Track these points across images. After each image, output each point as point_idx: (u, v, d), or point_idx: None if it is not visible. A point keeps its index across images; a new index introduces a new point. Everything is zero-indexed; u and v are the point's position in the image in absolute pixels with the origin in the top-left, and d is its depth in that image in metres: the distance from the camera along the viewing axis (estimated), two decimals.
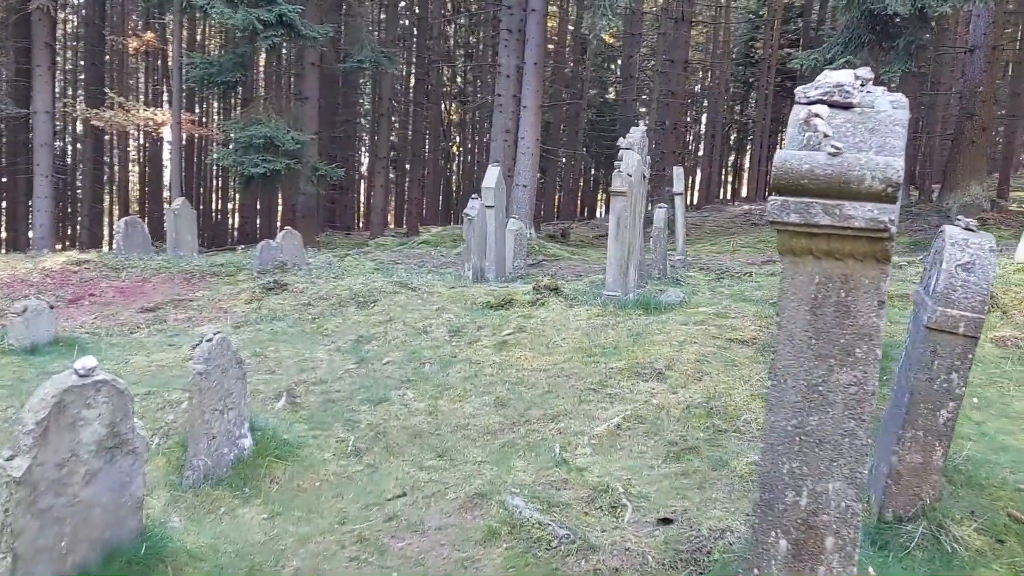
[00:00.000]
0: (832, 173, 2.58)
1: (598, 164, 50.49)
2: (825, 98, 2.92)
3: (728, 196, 52.19)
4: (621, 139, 10.32)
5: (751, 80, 49.36)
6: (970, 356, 3.71)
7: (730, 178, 55.85)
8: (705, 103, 50.25)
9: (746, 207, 30.38)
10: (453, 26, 41.79)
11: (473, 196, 12.07)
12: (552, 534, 4.16)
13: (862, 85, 2.94)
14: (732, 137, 54.27)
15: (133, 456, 3.93)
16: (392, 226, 36.03)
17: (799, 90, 3.01)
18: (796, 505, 2.71)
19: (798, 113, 2.92)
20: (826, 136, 2.79)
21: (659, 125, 19.75)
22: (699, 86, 52.68)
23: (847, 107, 2.92)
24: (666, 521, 4.29)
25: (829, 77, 2.92)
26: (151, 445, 5.09)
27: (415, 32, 36.26)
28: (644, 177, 8.76)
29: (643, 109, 44.45)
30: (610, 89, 50.11)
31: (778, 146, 53.22)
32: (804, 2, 28.37)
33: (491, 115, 19.88)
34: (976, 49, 14.43)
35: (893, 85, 17.10)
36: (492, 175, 12.27)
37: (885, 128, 2.75)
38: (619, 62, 46.34)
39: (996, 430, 5.31)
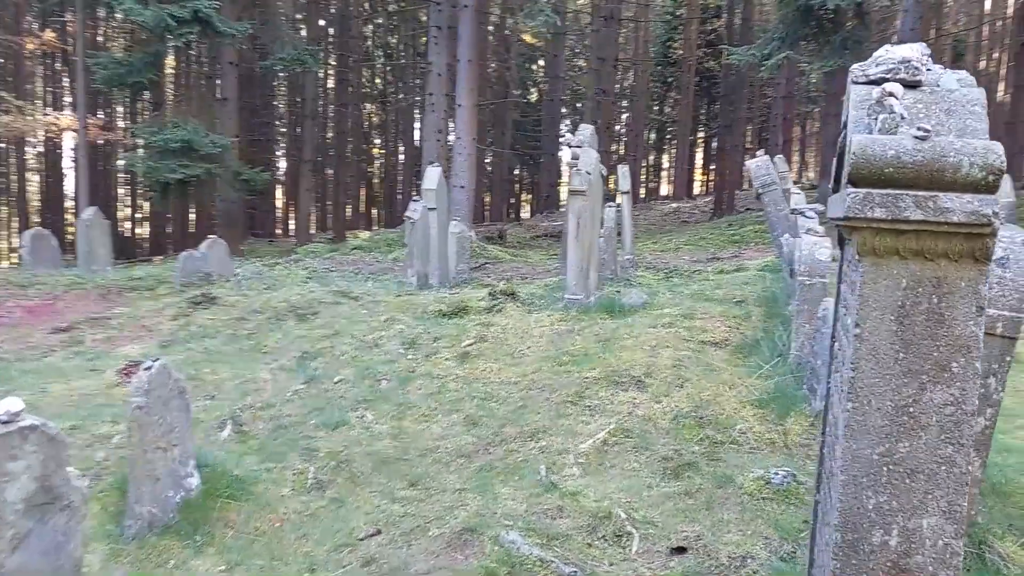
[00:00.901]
0: (922, 160, 2.22)
1: (523, 165, 50.29)
2: (889, 76, 2.57)
3: (651, 195, 52.71)
4: (571, 136, 9.99)
5: (669, 80, 50.07)
6: (1008, 359, 3.45)
7: (650, 177, 56.45)
8: (625, 103, 50.62)
9: (674, 205, 30.61)
10: (371, 26, 40.88)
11: (414, 198, 11.55)
12: (557, 572, 3.73)
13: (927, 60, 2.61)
14: (651, 137, 54.86)
15: (69, 512, 3.32)
16: (316, 232, 34.92)
17: (856, 68, 2.66)
18: (885, 546, 2.35)
19: (864, 93, 2.56)
20: (903, 118, 2.44)
21: (594, 124, 19.56)
22: (618, 86, 53.08)
23: (914, 85, 2.57)
24: (680, 550, 3.91)
25: (892, 52, 2.58)
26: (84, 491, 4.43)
27: (331, 32, 35.28)
28: (602, 176, 8.42)
29: (564, 109, 44.34)
30: (532, 90, 49.92)
31: (694, 146, 54.20)
32: (727, 2, 28.68)
33: (416, 116, 19.28)
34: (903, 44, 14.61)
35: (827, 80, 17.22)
36: (433, 176, 11.75)
37: (963, 109, 2.42)
38: (540, 62, 46.20)
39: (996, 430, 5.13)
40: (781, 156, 10.48)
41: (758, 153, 10.43)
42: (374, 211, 47.05)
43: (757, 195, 10.08)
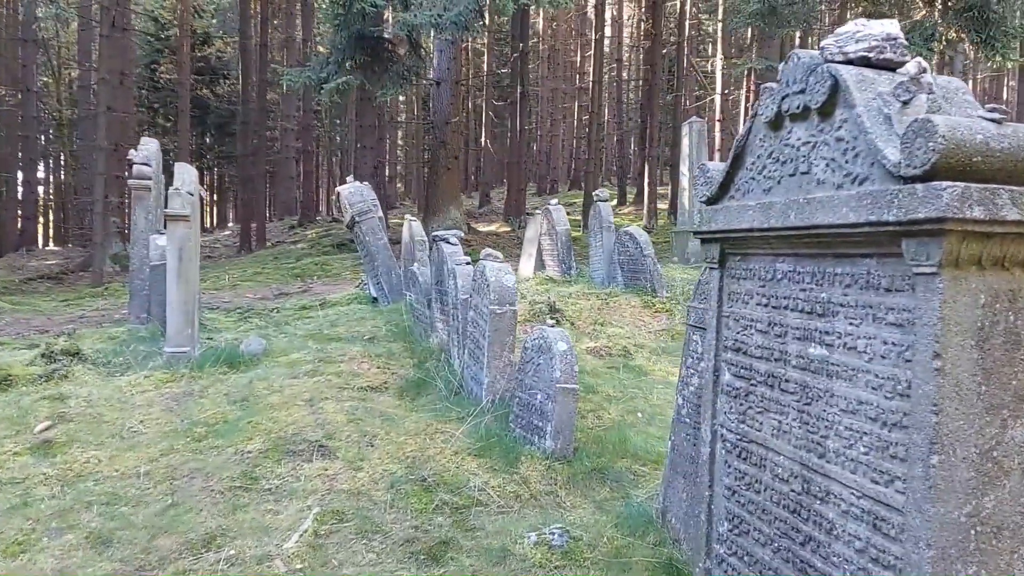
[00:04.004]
0: (1008, 148, 1.83)
1: None
2: (872, 54, 2.17)
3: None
4: (132, 151, 8.13)
5: (156, 106, 46.53)
6: None
7: None
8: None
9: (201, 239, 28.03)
10: None
11: None
12: None
13: None
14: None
15: None
16: None
17: (829, 43, 2.21)
18: None
19: (856, 74, 2.10)
20: (945, 100, 2.04)
21: (112, 146, 16.66)
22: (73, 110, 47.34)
23: (895, 67, 2.22)
24: None
25: (870, 27, 2.18)
26: None
27: None
28: (201, 198, 6.88)
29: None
30: None
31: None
32: (236, 26, 27.27)
33: None
34: (442, 82, 15.46)
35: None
36: None
37: (957, 96, 2.13)
38: None
39: None
40: (367, 183, 9.97)
41: (348, 179, 9.75)
42: None
43: (350, 224, 9.39)
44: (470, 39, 22.56)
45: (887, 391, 2.00)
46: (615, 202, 26.19)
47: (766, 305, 2.51)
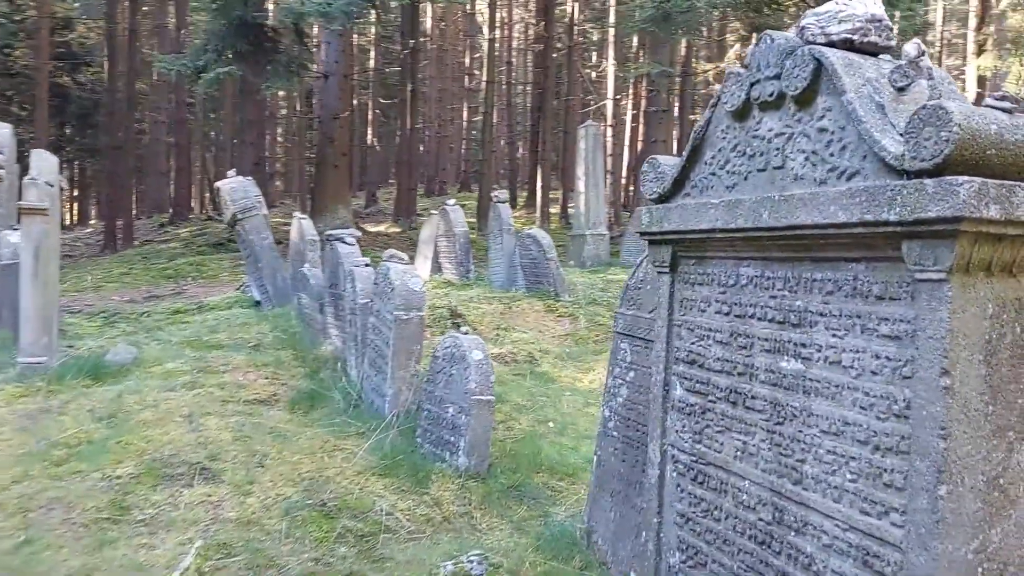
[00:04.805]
0: (1021, 140, 1.65)
1: None
2: (855, 36, 1.97)
3: None
4: None
5: (9, 93, 43.25)
6: None
7: None
8: None
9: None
10: None
11: None
12: None
13: None
14: None
15: None
16: None
17: (810, 22, 1.99)
18: None
19: (843, 58, 1.89)
20: (946, 89, 1.85)
21: None
22: None
23: (878, 52, 2.02)
24: None
25: (852, 7, 1.97)
26: None
27: None
28: (62, 190, 6.14)
29: None
30: None
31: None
32: (113, 9, 25.26)
33: None
34: (330, 76, 14.78)
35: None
36: None
37: (945, 87, 1.95)
38: None
39: None
40: (251, 179, 9.29)
41: (229, 174, 9.06)
42: None
43: (232, 222, 8.74)
44: (357, 33, 21.85)
45: (880, 411, 1.79)
46: None
47: (727, 313, 2.28)
